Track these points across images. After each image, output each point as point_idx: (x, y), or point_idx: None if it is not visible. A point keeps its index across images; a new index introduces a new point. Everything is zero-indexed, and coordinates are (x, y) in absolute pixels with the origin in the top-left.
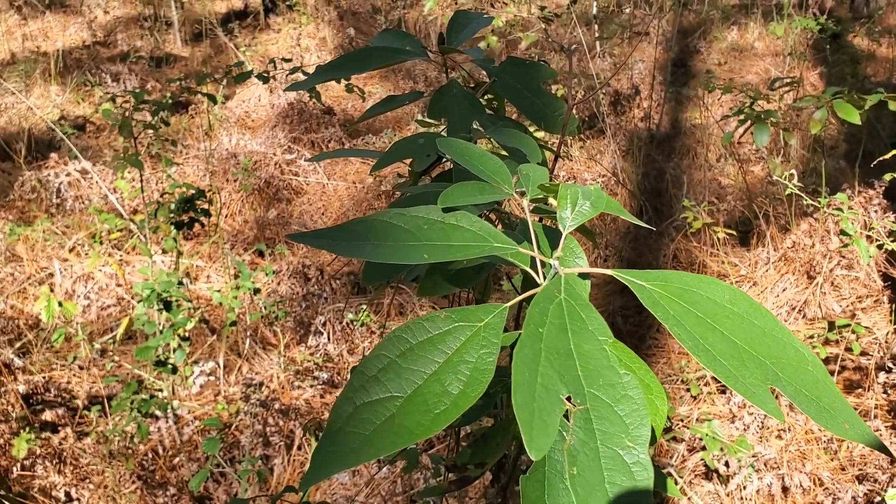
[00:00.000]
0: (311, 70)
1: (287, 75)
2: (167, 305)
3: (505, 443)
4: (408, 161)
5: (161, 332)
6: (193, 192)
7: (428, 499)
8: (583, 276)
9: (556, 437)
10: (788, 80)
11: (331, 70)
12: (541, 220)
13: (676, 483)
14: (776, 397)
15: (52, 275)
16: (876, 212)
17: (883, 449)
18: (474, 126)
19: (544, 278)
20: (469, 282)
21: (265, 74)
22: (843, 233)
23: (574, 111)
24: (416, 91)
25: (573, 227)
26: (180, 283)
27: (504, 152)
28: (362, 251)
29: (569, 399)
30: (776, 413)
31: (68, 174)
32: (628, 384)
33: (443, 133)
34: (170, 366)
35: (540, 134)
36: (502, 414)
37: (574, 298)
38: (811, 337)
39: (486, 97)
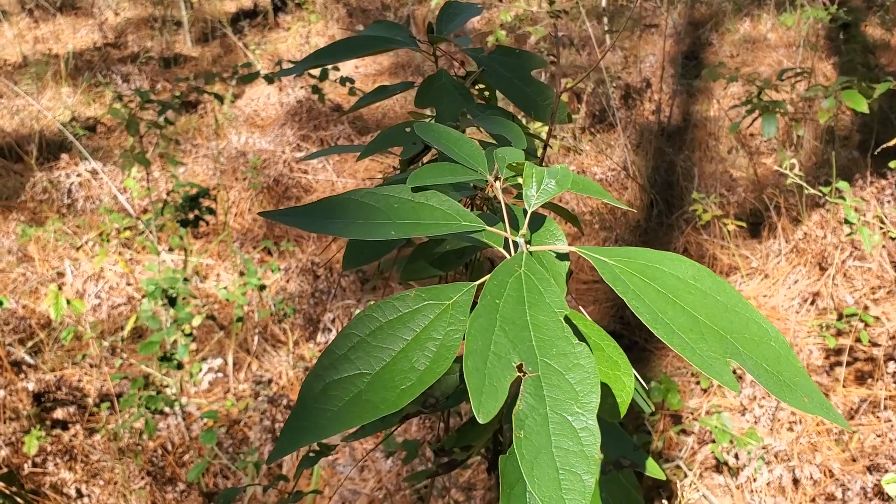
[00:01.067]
0: (315, 69)
1: (295, 77)
2: (172, 301)
3: (491, 426)
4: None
5: (166, 328)
6: (198, 190)
7: (433, 492)
8: (561, 258)
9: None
10: (798, 71)
11: (321, 56)
12: None
13: (686, 475)
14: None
15: (62, 274)
16: (889, 202)
17: (840, 421)
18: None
19: None
20: (451, 266)
21: (271, 75)
22: (846, 221)
23: (584, 104)
24: (406, 81)
25: (538, 205)
26: (186, 279)
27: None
28: (332, 228)
29: (521, 368)
30: (731, 384)
31: (79, 175)
32: (580, 353)
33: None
34: (175, 361)
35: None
36: None
37: (534, 272)
38: (822, 328)
39: (477, 87)
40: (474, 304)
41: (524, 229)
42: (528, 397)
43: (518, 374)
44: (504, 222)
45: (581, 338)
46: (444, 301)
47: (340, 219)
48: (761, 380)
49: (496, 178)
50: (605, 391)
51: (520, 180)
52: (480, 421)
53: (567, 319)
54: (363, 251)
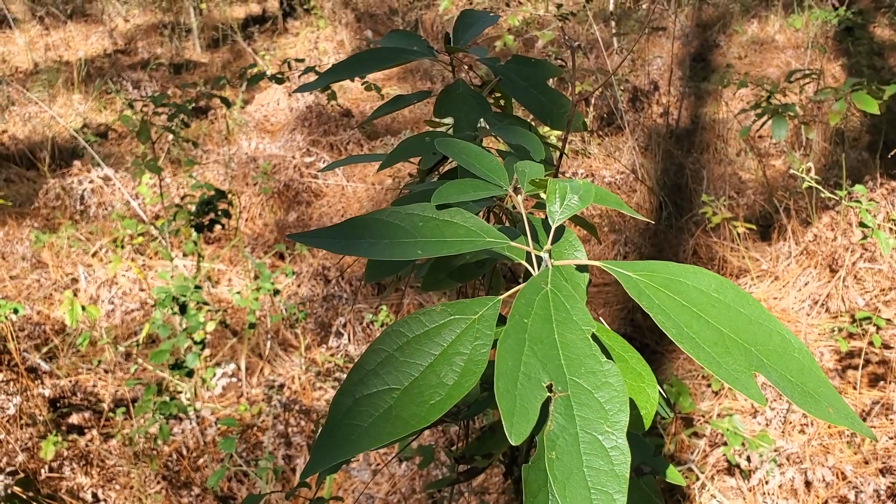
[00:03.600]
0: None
1: (300, 76)
2: (183, 308)
3: None
4: (417, 160)
5: (176, 335)
6: (213, 193)
7: (445, 494)
8: (581, 268)
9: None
10: (806, 73)
11: (338, 71)
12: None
13: (698, 478)
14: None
15: (76, 280)
16: None
17: (866, 431)
18: (481, 124)
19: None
20: (471, 277)
21: (279, 76)
22: (862, 224)
23: (592, 108)
24: (423, 91)
25: (561, 221)
26: (197, 286)
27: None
28: (359, 249)
29: (550, 387)
30: (758, 398)
31: (91, 181)
32: (609, 372)
33: (449, 132)
34: (186, 369)
35: (558, 132)
36: None
37: (560, 290)
38: (833, 331)
39: (493, 95)
40: (500, 318)
41: (549, 245)
42: (559, 417)
43: (548, 394)
44: (526, 236)
45: (605, 351)
46: (470, 315)
47: (366, 239)
48: (786, 392)
49: (515, 190)
50: (630, 403)
51: (541, 193)
52: (513, 443)
53: (593, 336)
54: (385, 264)
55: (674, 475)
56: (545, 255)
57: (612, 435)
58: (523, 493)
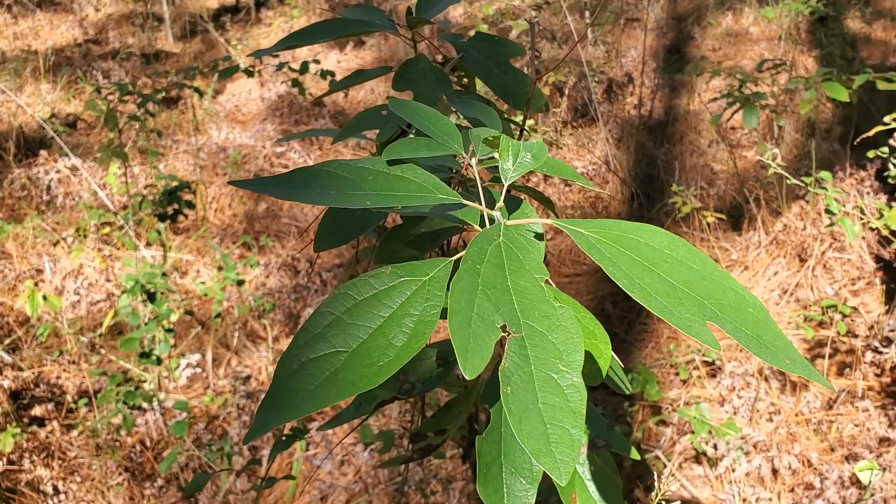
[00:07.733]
0: (296, 63)
1: (275, 70)
2: (151, 297)
3: (466, 410)
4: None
5: (146, 323)
6: (177, 183)
7: (402, 476)
8: (537, 237)
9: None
10: (777, 63)
11: (297, 38)
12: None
13: (665, 466)
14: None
15: (41, 271)
16: (868, 193)
17: (821, 380)
18: (441, 100)
19: None
20: (427, 247)
21: (251, 69)
22: (827, 212)
23: (566, 98)
24: (384, 66)
25: (514, 178)
26: (164, 274)
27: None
28: (306, 196)
29: (504, 328)
30: (712, 343)
31: (58, 171)
32: (563, 316)
33: None
34: (154, 357)
35: (530, 122)
36: (464, 384)
37: (513, 242)
38: (802, 319)
39: (456, 74)
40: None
41: (500, 203)
42: (513, 356)
43: (503, 333)
44: (480, 199)
45: None
46: (421, 277)
47: (313, 188)
48: (742, 342)
49: (472, 157)
50: (586, 358)
51: (495, 154)
52: (467, 377)
53: (547, 283)
54: (335, 232)
55: (625, 447)
56: (497, 213)
57: (568, 374)
58: (476, 465)
